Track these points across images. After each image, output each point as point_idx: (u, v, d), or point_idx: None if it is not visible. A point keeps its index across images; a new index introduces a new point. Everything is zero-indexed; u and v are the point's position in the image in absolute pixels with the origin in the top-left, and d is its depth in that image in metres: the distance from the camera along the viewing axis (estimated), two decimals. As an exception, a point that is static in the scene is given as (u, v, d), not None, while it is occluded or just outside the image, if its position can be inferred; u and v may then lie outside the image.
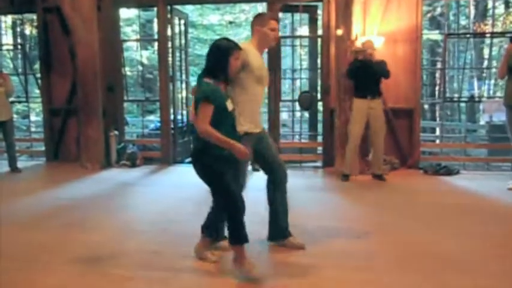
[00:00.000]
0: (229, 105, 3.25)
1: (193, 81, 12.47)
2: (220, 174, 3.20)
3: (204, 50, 15.69)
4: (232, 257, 3.29)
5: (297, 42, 8.92)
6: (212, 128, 3.08)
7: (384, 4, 7.19)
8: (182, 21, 8.72)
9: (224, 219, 3.42)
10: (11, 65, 14.26)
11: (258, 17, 3.80)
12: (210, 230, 3.59)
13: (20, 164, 7.81)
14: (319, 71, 8.12)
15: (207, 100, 3.10)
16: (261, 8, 15.48)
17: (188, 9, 10.33)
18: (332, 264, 3.51)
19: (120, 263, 3.47)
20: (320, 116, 8.57)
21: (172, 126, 8.33)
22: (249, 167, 7.46)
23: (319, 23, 8.37)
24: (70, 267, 3.51)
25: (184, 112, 8.99)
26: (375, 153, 6.69)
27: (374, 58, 6.51)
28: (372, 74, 6.49)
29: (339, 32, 6.90)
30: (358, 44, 6.85)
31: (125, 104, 9.18)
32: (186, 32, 8.97)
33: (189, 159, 8.16)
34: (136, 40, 13.76)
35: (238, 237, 3.22)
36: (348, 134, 6.70)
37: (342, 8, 6.85)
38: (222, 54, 3.21)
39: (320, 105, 8.32)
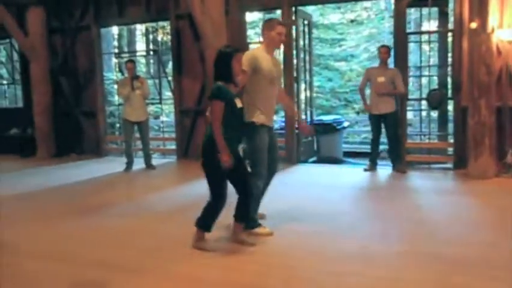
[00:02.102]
0: (238, 103, 3.77)
1: (316, 82, 12.46)
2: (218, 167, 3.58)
3: (325, 50, 15.65)
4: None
5: (423, 38, 8.52)
6: (219, 128, 3.55)
7: (526, -8, 6.61)
8: (306, 22, 8.76)
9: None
10: (144, 69, 15.40)
11: (268, 22, 4.27)
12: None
13: (154, 161, 8.37)
14: (449, 67, 7.69)
15: (215, 98, 3.61)
16: (384, 4, 15.07)
17: (309, 9, 10.33)
18: (463, 271, 3.31)
19: (255, 260, 3.59)
20: (450, 115, 8.12)
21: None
22: (363, 167, 7.34)
23: (449, 16, 7.94)
24: (199, 258, 3.72)
25: (308, 112, 9.03)
26: None
27: None
28: None
29: (473, 25, 6.48)
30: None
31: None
32: (309, 32, 8.98)
33: (312, 159, 8.16)
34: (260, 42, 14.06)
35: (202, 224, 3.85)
36: None
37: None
38: (225, 59, 3.70)
39: (450, 104, 7.89)
